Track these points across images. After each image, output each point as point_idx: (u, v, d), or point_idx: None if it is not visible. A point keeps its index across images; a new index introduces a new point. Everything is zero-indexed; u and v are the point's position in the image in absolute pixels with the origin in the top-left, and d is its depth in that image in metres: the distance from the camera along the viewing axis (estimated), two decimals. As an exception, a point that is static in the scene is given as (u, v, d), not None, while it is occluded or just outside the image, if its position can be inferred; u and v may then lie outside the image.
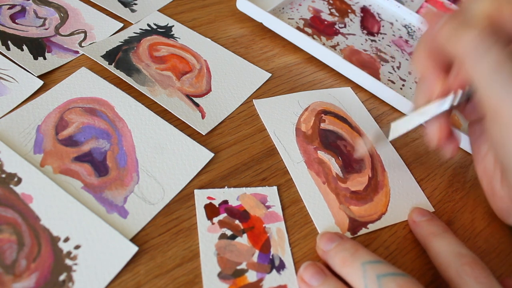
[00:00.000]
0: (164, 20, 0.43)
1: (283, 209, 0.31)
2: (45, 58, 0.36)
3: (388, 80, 0.43)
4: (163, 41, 0.40)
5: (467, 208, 0.34)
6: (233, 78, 0.39)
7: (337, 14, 0.50)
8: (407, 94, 0.42)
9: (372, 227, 0.31)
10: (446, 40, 0.26)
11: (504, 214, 0.32)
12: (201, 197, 0.30)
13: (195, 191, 0.30)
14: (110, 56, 0.37)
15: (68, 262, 0.25)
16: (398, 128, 0.31)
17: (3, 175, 0.28)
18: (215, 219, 0.29)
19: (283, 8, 0.48)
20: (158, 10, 0.44)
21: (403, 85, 0.43)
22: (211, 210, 0.29)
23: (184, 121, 0.34)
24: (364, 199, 0.32)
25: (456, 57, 0.27)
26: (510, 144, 0.25)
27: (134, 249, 0.26)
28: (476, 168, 0.32)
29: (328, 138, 0.36)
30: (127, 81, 0.35)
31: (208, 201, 0.30)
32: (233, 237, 0.28)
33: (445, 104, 0.28)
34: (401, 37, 0.50)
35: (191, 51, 0.40)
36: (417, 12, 0.53)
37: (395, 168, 0.35)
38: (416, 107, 0.30)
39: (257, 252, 0.28)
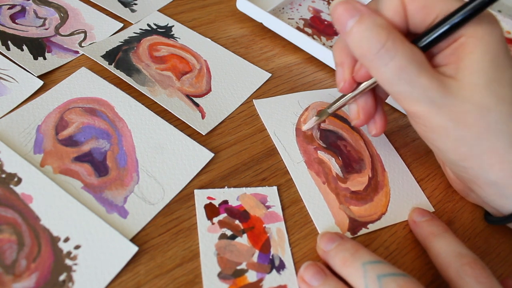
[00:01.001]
0: (164, 20, 0.43)
1: (283, 209, 0.31)
2: (45, 58, 0.36)
3: (388, 80, 0.43)
4: (163, 41, 0.40)
5: (467, 208, 0.34)
6: (233, 78, 0.39)
7: (337, 14, 0.50)
8: (407, 94, 0.42)
9: (372, 227, 0.31)
10: (353, 46, 0.26)
11: (462, 193, 0.34)
12: (201, 197, 0.30)
13: (195, 191, 0.30)
14: (110, 56, 0.37)
15: (68, 262, 0.25)
16: (333, 107, 0.32)
17: (3, 175, 0.28)
18: (215, 219, 0.29)
19: (283, 8, 0.48)
20: (158, 10, 0.44)
21: (403, 85, 0.43)
22: (211, 210, 0.29)
23: (184, 121, 0.34)
24: (364, 199, 0.32)
25: (362, 63, 0.27)
26: (431, 137, 0.27)
27: (134, 249, 0.26)
28: (435, 155, 0.34)
29: (328, 138, 0.36)
30: (127, 81, 0.35)
31: (208, 201, 0.30)
32: (233, 237, 0.28)
33: (358, 89, 0.30)
34: (401, 37, 0.50)
35: (191, 51, 0.40)
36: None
37: (395, 168, 0.35)
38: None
39: (257, 252, 0.28)
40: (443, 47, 0.27)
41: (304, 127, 0.35)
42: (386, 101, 0.41)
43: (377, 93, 0.32)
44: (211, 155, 0.32)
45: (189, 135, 0.33)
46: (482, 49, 0.25)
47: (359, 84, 0.30)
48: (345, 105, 0.31)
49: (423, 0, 0.26)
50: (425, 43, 0.26)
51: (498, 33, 0.25)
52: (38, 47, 0.37)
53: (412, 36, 0.27)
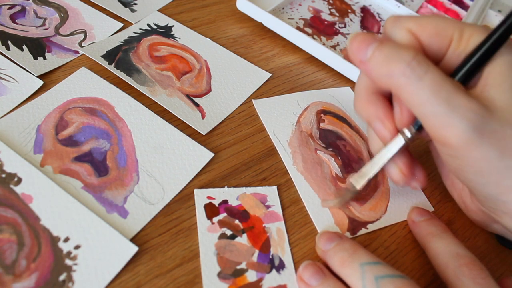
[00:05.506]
0: (164, 20, 0.43)
1: (283, 209, 0.31)
2: (45, 58, 0.36)
3: (388, 80, 0.43)
4: (163, 41, 0.41)
5: (467, 208, 0.34)
6: (233, 78, 0.39)
7: (337, 14, 0.50)
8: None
9: (371, 227, 0.31)
10: (377, 71, 0.24)
11: (480, 224, 0.31)
12: (201, 196, 0.30)
13: (195, 190, 0.30)
14: (110, 56, 0.37)
15: (68, 262, 0.25)
16: (360, 179, 0.29)
17: (3, 175, 0.28)
18: (215, 219, 0.29)
19: (283, 8, 0.48)
20: (158, 10, 0.44)
21: (403, 85, 0.43)
22: (211, 210, 0.29)
23: (184, 121, 0.34)
24: (363, 199, 0.32)
25: (390, 87, 0.24)
26: (467, 171, 0.24)
27: (134, 249, 0.26)
28: (444, 182, 0.32)
29: (327, 138, 0.36)
30: (127, 81, 0.35)
31: (208, 201, 0.30)
32: (233, 236, 0.28)
33: (397, 144, 0.27)
34: (401, 37, 0.50)
35: (191, 51, 0.40)
36: (417, 12, 0.54)
37: (395, 168, 0.35)
38: (374, 154, 0.29)
39: (257, 252, 0.28)
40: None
41: (326, 204, 0.31)
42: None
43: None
44: (211, 155, 0.32)
45: (189, 135, 0.33)
46: (507, 59, 0.23)
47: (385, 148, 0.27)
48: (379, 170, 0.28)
49: (433, 27, 0.25)
50: (459, 75, 0.24)
51: None
52: (38, 47, 0.37)
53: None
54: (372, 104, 0.27)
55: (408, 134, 0.26)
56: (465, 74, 0.24)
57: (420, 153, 0.37)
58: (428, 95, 0.22)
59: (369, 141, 0.29)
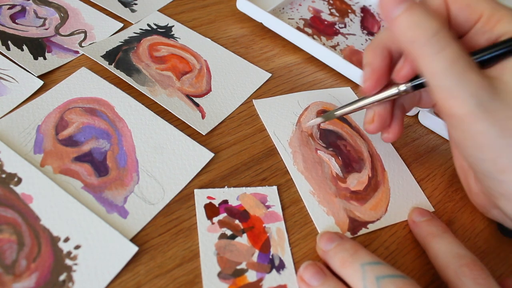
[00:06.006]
0: (164, 20, 0.43)
1: (283, 209, 0.31)
2: (45, 58, 0.36)
3: (388, 80, 0.43)
4: (163, 41, 0.40)
5: (467, 208, 0.34)
6: (233, 78, 0.39)
7: (337, 14, 0.50)
8: (407, 94, 0.42)
9: (372, 227, 0.31)
10: (402, 32, 0.25)
11: (482, 209, 0.32)
12: (201, 196, 0.30)
13: (195, 190, 0.30)
14: (110, 56, 0.37)
15: (68, 262, 0.25)
16: (341, 110, 0.33)
17: (3, 175, 0.28)
18: (215, 219, 0.29)
19: (283, 8, 0.48)
20: (158, 10, 0.44)
21: (403, 85, 0.43)
22: (211, 210, 0.29)
23: (184, 121, 0.34)
24: (364, 199, 0.32)
25: (409, 51, 0.26)
26: (467, 145, 0.25)
27: (134, 249, 0.26)
28: (455, 164, 0.33)
29: (328, 138, 0.36)
30: (127, 81, 0.35)
31: (208, 201, 0.30)
32: (233, 237, 0.28)
33: (387, 93, 0.29)
34: (401, 37, 0.50)
35: (191, 51, 0.40)
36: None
37: (395, 168, 0.35)
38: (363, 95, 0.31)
39: (257, 252, 0.28)
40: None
41: (306, 124, 0.36)
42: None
43: (402, 103, 0.31)
44: (211, 155, 0.32)
45: (189, 135, 0.33)
46: None
47: (380, 91, 0.30)
48: (356, 111, 0.32)
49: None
50: (481, 59, 0.25)
51: None
52: (38, 47, 0.37)
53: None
54: (374, 54, 0.29)
55: (403, 88, 0.29)
56: (485, 60, 0.25)
57: (421, 153, 0.37)
58: (443, 68, 0.24)
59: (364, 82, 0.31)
